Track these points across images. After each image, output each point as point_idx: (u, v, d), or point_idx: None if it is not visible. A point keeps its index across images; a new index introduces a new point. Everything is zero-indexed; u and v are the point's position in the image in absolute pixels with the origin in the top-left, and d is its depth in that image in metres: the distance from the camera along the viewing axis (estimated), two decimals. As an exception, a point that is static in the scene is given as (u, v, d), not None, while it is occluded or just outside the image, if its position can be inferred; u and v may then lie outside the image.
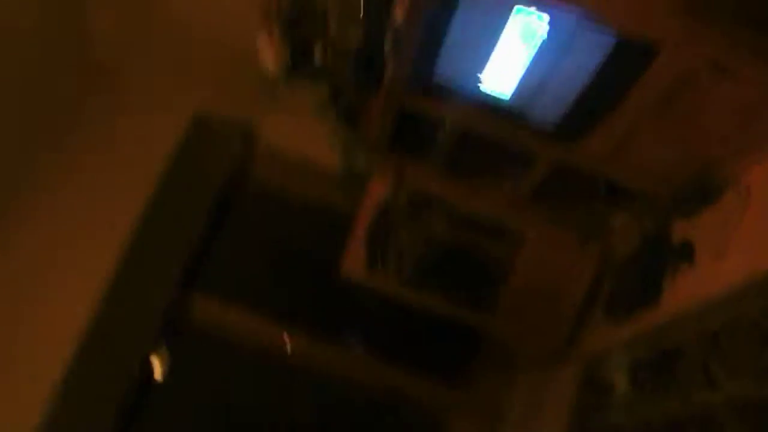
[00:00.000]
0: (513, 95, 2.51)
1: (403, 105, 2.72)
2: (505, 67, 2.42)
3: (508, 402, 3.98)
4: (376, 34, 2.51)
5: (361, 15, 2.56)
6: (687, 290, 2.51)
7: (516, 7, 2.20)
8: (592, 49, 2.27)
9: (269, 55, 2.73)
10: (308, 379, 4.07)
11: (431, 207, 3.26)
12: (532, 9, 2.19)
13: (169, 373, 4.00)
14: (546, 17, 2.20)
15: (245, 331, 4.00)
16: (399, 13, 2.31)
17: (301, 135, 3.67)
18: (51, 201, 3.88)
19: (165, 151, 4.00)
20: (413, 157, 3.10)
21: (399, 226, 3.28)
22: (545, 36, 2.24)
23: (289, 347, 4.00)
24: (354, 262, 3.29)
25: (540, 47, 2.28)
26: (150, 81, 4.10)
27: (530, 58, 2.34)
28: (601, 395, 2.91)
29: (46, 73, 3.81)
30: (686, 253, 2.55)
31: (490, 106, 2.57)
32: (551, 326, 3.27)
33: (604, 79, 2.34)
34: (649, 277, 2.72)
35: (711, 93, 2.27)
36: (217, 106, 4.05)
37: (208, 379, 4.08)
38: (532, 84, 2.45)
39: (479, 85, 2.50)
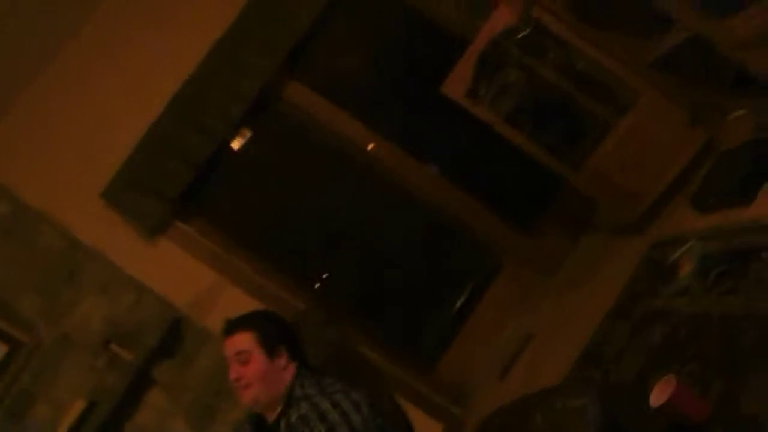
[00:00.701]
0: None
1: None
2: None
3: (565, 260, 4.02)
4: None
5: None
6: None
7: None
8: None
9: None
10: (380, 185, 4.14)
11: (548, 49, 3.16)
12: None
13: (248, 146, 4.10)
14: None
15: (331, 124, 4.03)
16: None
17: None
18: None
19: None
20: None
21: (510, 60, 3.20)
22: None
23: (371, 147, 4.03)
24: (457, 82, 3.24)
25: None
26: None
27: None
28: (661, 279, 2.90)
29: None
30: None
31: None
32: (633, 198, 3.22)
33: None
34: (750, 176, 2.63)
35: None
36: None
37: (282, 162, 4.18)
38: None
39: None
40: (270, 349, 2.38)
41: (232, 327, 2.43)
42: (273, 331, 2.43)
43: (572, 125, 3.26)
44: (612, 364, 2.83)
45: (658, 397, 2.20)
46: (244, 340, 2.38)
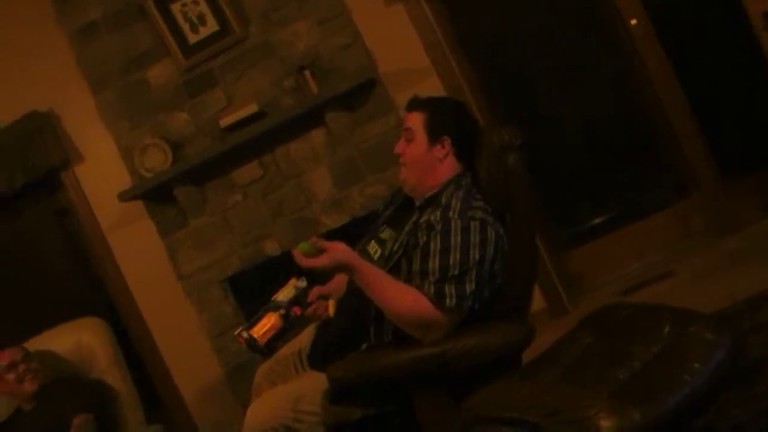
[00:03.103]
0: None
1: None
2: None
3: (746, 228, 3.83)
4: None
5: None
6: None
7: None
8: None
9: None
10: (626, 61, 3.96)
11: None
12: None
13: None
14: None
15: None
16: None
17: None
18: None
19: None
20: None
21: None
22: None
23: (633, 23, 3.83)
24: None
25: None
26: None
27: None
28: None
29: None
30: None
31: None
32: None
33: None
34: None
35: None
36: None
37: None
38: None
39: None
40: (433, 135, 2.34)
41: (413, 103, 2.42)
42: (444, 120, 2.36)
43: None
44: (746, 336, 2.75)
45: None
46: (415, 119, 2.36)
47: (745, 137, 3.89)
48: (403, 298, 2.09)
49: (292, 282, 2.45)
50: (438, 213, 2.21)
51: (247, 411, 2.30)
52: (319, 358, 2.36)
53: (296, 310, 2.39)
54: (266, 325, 2.33)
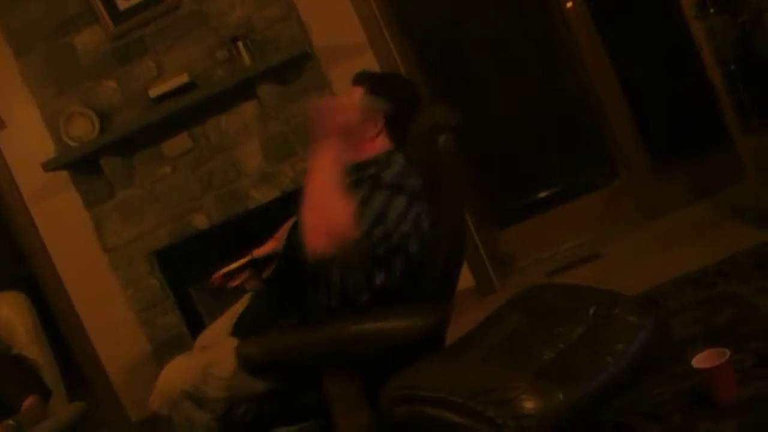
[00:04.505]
0: None
1: None
2: None
3: (672, 211, 3.90)
4: None
5: None
6: None
7: None
8: None
9: None
10: (559, 43, 3.98)
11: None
12: None
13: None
14: None
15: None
16: None
17: None
18: None
19: None
20: None
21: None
22: None
23: (569, 5, 3.85)
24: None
25: None
26: None
27: None
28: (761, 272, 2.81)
29: None
30: None
31: None
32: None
33: None
34: None
35: None
36: None
37: None
38: None
39: None
40: None
41: (357, 78, 2.39)
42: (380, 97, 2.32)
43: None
44: (669, 319, 2.81)
45: (703, 360, 2.21)
46: (352, 94, 2.34)
47: (676, 123, 3.96)
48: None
49: (272, 244, 2.46)
50: (362, 185, 2.18)
51: (161, 373, 2.28)
52: (246, 327, 2.33)
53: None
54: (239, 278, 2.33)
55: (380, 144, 2.32)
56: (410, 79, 2.56)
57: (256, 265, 2.36)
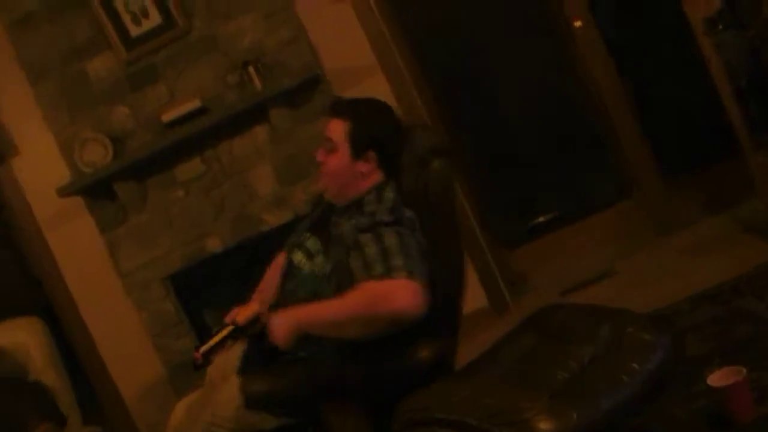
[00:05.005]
0: None
1: None
2: None
3: (686, 227, 3.89)
4: None
5: None
6: None
7: None
8: None
9: None
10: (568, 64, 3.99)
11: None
12: None
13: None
14: None
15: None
16: None
17: None
18: None
19: None
20: None
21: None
22: None
23: (577, 24, 3.86)
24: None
25: None
26: None
27: None
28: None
29: None
30: None
31: None
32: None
33: None
34: None
35: None
36: None
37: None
38: None
39: None
40: (357, 149, 2.20)
41: (335, 109, 2.29)
42: (369, 132, 2.22)
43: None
44: (684, 336, 2.79)
45: (719, 378, 2.19)
46: (336, 129, 2.22)
47: (685, 138, 3.96)
48: (355, 302, 1.98)
49: (254, 307, 2.42)
50: (363, 220, 2.12)
51: (174, 410, 2.29)
52: (252, 364, 2.32)
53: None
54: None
55: (373, 178, 2.24)
56: (385, 103, 2.47)
57: (240, 333, 2.33)
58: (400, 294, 1.92)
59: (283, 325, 2.06)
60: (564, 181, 4.15)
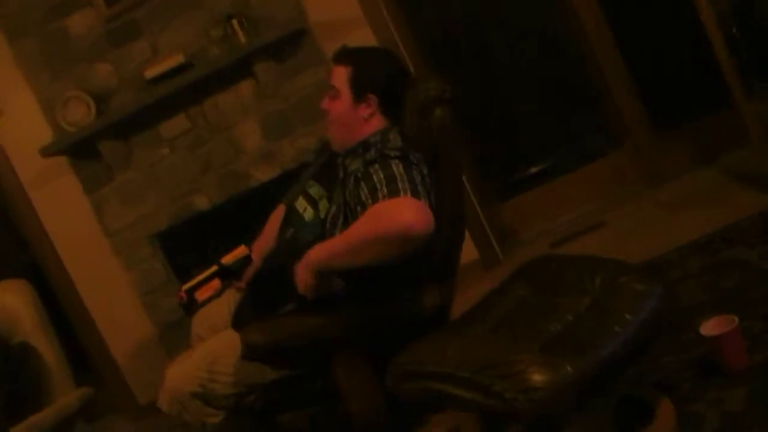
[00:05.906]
0: None
1: None
2: None
3: (677, 178, 3.87)
4: None
5: None
6: None
7: None
8: None
9: None
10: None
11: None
12: None
13: None
14: None
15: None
16: None
17: None
18: None
19: None
20: None
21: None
22: None
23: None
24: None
25: None
26: None
27: None
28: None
29: None
30: None
31: None
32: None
33: None
34: None
35: None
36: None
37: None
38: None
39: None
40: (358, 93, 2.25)
41: (339, 56, 2.32)
42: (370, 76, 2.26)
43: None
44: (675, 286, 2.79)
45: (711, 328, 2.19)
46: (340, 74, 2.27)
47: (678, 88, 3.91)
48: (364, 225, 1.96)
49: (242, 250, 2.40)
50: (361, 160, 2.14)
51: (166, 373, 2.26)
52: (244, 317, 2.30)
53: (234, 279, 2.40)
54: (210, 289, 2.30)
55: (376, 123, 2.27)
56: (391, 51, 2.48)
57: (226, 273, 2.31)
58: (405, 209, 1.91)
59: (300, 271, 2.04)
60: (555, 133, 4.11)
